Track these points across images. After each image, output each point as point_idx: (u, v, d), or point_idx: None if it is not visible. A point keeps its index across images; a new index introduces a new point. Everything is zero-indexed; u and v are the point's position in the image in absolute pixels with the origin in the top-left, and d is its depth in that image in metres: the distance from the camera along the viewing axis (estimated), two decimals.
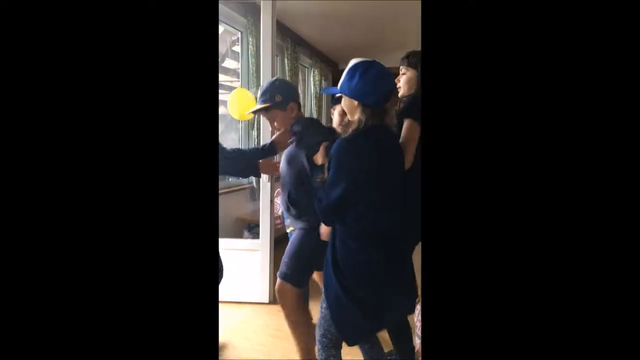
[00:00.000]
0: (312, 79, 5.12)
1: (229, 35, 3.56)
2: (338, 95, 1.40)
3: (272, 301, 2.45)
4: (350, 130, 1.24)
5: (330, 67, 5.63)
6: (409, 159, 1.42)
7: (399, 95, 1.65)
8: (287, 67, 4.17)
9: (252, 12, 3.21)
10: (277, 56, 3.43)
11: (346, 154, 1.19)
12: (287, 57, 4.16)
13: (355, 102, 1.21)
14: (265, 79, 2.46)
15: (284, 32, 4.03)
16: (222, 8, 3.04)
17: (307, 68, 5.13)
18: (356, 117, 1.22)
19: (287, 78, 4.17)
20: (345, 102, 1.26)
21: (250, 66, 3.33)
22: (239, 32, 3.44)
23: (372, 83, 1.19)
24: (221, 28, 3.31)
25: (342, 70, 1.27)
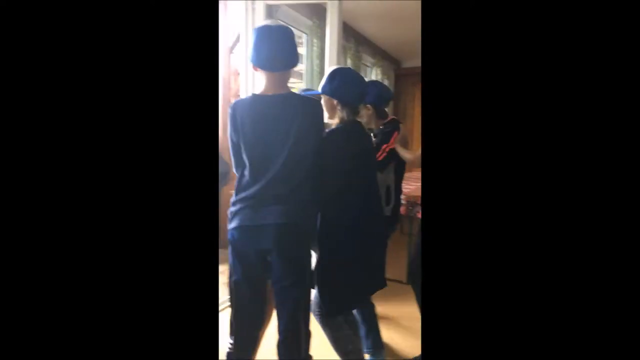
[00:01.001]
0: (373, 77, 5.14)
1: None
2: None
3: None
4: (332, 125, 1.46)
5: (393, 66, 5.60)
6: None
7: None
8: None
9: (318, 14, 3.31)
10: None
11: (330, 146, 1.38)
12: (350, 57, 4.22)
13: (335, 101, 1.43)
14: None
15: (348, 32, 4.10)
16: (288, 11, 3.17)
17: (369, 67, 5.16)
18: (336, 114, 1.45)
19: None
20: (325, 101, 1.48)
21: (315, 67, 3.43)
22: (304, 34, 3.56)
23: (350, 85, 1.43)
24: None
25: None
